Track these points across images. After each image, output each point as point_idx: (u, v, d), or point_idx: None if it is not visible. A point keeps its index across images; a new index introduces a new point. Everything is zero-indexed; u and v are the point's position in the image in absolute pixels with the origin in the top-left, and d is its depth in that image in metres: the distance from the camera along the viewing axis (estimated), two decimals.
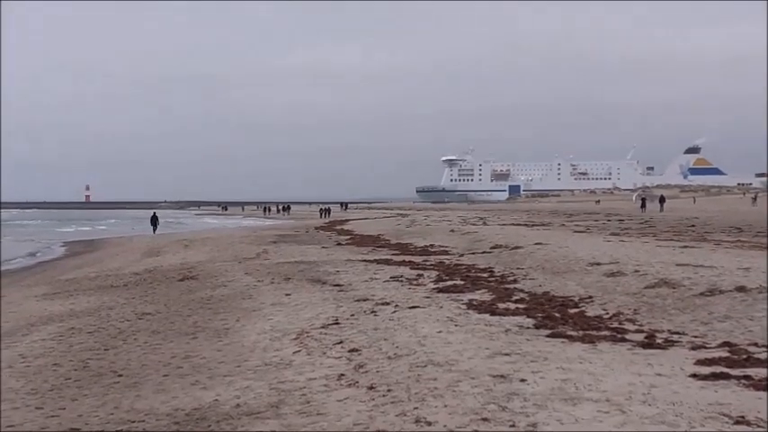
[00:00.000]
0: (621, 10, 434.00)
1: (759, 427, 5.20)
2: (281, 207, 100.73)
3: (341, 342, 8.91)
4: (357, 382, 7.01)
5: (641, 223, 35.23)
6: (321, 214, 74.17)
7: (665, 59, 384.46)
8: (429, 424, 5.56)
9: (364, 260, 19.92)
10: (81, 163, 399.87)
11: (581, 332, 8.81)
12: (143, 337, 10.47)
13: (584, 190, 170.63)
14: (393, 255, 21.92)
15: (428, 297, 12.27)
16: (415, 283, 14.45)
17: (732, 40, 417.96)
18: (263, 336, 9.92)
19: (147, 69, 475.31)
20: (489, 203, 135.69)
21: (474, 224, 38.33)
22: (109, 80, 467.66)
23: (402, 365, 7.42)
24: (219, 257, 23.32)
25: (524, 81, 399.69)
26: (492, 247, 21.52)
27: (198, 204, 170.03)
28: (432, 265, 18.01)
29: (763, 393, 5.96)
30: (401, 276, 15.47)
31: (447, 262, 18.70)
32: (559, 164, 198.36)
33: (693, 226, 30.90)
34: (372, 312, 10.87)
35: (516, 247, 20.40)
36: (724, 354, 7.44)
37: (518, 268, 16.04)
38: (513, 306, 10.99)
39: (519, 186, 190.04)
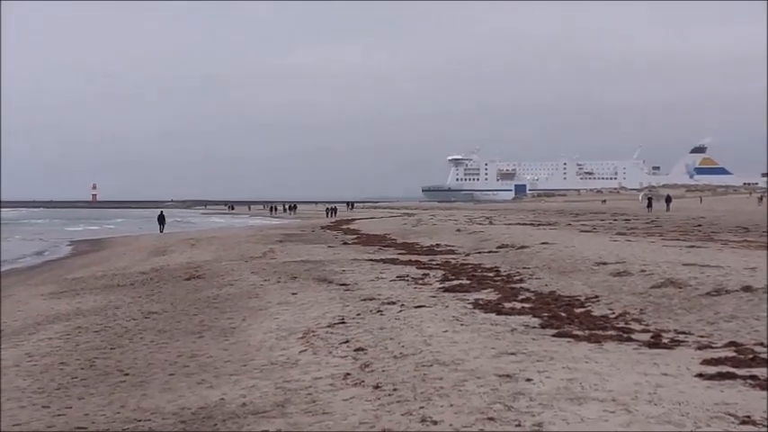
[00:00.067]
0: (621, 10, 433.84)
1: (765, 426, 5.19)
2: (287, 206, 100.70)
3: (347, 341, 8.92)
4: (363, 382, 7.02)
5: (648, 223, 35.19)
6: (327, 213, 74.05)
7: (665, 59, 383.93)
8: (435, 423, 5.56)
9: (370, 259, 19.93)
10: (81, 163, 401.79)
11: (587, 332, 8.81)
12: (149, 336, 10.50)
13: (591, 189, 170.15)
14: (399, 254, 21.92)
15: (434, 296, 12.27)
16: (421, 282, 14.44)
17: (732, 41, 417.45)
18: (270, 335, 9.93)
19: (147, 69, 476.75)
20: (495, 203, 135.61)
21: (480, 223, 38.35)
22: (109, 80, 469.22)
23: (408, 365, 7.43)
24: (226, 256, 23.35)
25: (524, 81, 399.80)
26: (498, 247, 21.53)
27: (204, 204, 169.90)
28: (438, 264, 18.00)
29: None
30: (407, 276, 15.46)
31: (453, 261, 18.69)
32: (565, 163, 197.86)
33: (700, 226, 30.85)
34: (378, 311, 10.87)
35: (522, 247, 20.40)
36: (730, 353, 7.43)
37: (524, 268, 16.03)
38: (519, 305, 10.98)
39: (525, 186, 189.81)
